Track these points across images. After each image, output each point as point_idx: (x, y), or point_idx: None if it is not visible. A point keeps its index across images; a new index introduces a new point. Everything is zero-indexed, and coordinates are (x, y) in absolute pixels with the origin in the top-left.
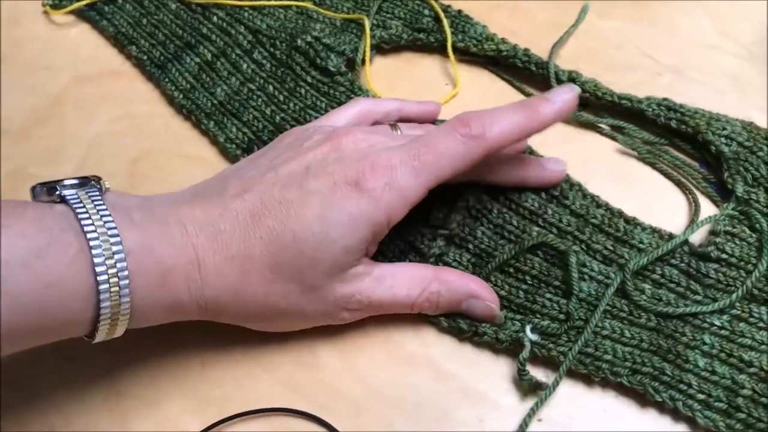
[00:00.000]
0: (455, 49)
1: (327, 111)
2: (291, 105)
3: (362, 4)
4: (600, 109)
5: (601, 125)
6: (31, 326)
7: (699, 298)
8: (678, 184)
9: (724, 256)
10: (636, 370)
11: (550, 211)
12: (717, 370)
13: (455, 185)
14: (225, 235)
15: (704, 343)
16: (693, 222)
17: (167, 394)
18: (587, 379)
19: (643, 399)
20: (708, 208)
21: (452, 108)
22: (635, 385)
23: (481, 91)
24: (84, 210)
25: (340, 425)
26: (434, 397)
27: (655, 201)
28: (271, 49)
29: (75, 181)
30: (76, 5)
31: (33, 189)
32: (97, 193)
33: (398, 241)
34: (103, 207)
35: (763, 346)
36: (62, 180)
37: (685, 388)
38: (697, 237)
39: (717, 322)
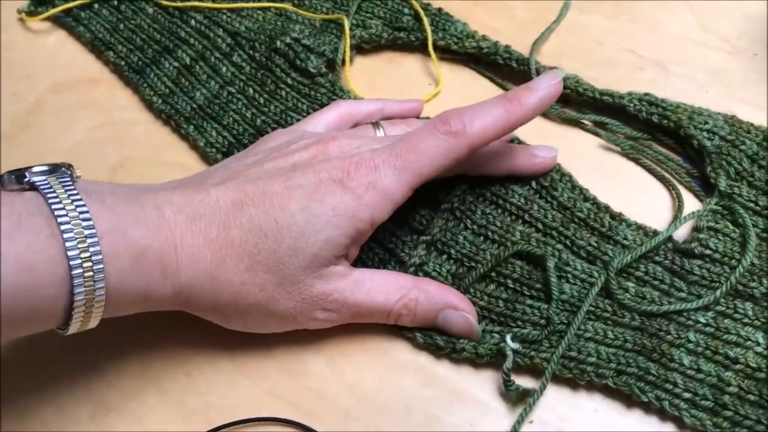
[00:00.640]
0: (436, 48)
1: (308, 113)
2: (272, 107)
3: (341, 4)
4: (582, 105)
5: (583, 121)
6: (2, 315)
7: (683, 295)
8: (661, 179)
9: (707, 252)
10: (621, 371)
11: (536, 207)
12: (702, 368)
13: (444, 181)
14: (204, 219)
15: (689, 341)
16: (676, 218)
17: (153, 407)
18: (575, 381)
19: (631, 398)
20: (691, 203)
21: (435, 106)
22: (621, 387)
23: (464, 89)
24: (54, 194)
25: None
26: (424, 402)
27: (638, 196)
28: (251, 52)
29: (45, 168)
30: (51, 12)
31: (1, 178)
32: (68, 178)
33: (378, 250)
34: (74, 191)
35: (749, 342)
36: (31, 167)
37: (670, 387)
38: (680, 233)
39: (702, 319)
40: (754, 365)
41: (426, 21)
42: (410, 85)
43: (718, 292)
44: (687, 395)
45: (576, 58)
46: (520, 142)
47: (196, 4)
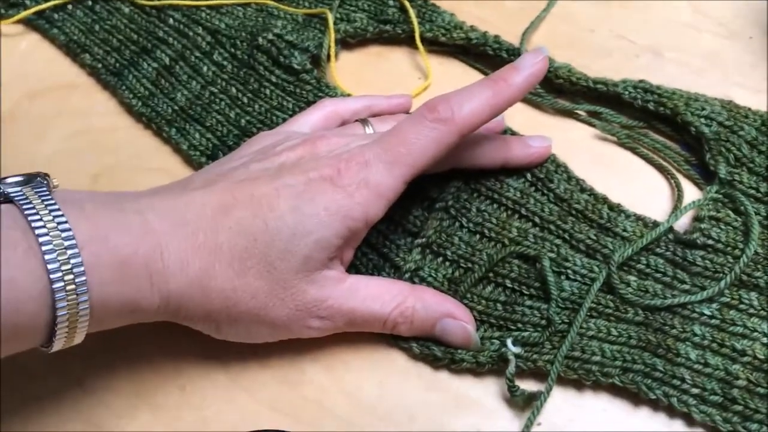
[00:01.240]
0: (423, 40)
1: (294, 111)
2: (256, 107)
3: None
4: (575, 95)
5: (577, 111)
6: None
7: (687, 287)
8: (659, 168)
9: (710, 242)
10: (627, 368)
11: (532, 200)
12: (710, 362)
13: (438, 180)
14: (190, 224)
15: (695, 335)
16: (677, 208)
17: (146, 424)
18: (581, 382)
19: (638, 396)
20: (691, 191)
21: (425, 99)
22: (628, 385)
23: (454, 82)
24: (30, 205)
25: None
26: (427, 408)
27: (636, 186)
28: (232, 50)
29: (19, 178)
30: (23, 14)
31: None
32: (45, 189)
33: (372, 255)
34: (51, 201)
35: (755, 333)
36: (5, 178)
37: (678, 383)
38: (681, 223)
39: (707, 312)
40: (762, 357)
41: (412, 13)
42: (399, 79)
43: (722, 283)
44: (695, 391)
45: (568, 47)
46: (513, 133)
47: (174, 2)
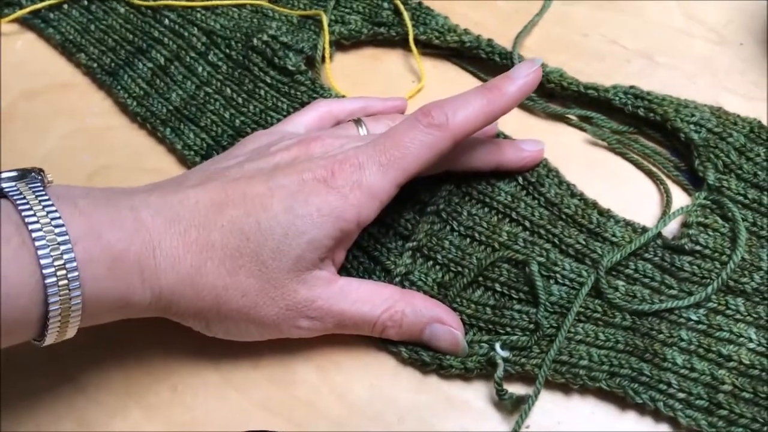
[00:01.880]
0: (417, 43)
1: (289, 112)
2: (251, 107)
3: None
4: (567, 99)
5: (568, 116)
6: None
7: (674, 292)
8: (648, 173)
9: (697, 248)
10: (614, 373)
11: (522, 204)
12: (696, 367)
13: (429, 183)
14: (183, 221)
15: (681, 340)
16: (665, 214)
17: (137, 423)
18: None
19: (625, 400)
20: (680, 197)
21: (419, 102)
22: (614, 389)
23: (447, 85)
24: (24, 200)
25: None
26: (417, 409)
27: (626, 191)
28: (227, 50)
29: (13, 174)
30: (19, 13)
31: None
32: (39, 184)
33: (363, 258)
34: (45, 197)
35: (741, 339)
36: None
37: (664, 387)
38: (669, 229)
39: (693, 317)
40: (748, 362)
41: (406, 15)
42: (392, 81)
43: (709, 289)
44: (681, 395)
45: (561, 51)
46: (505, 137)
47: (170, 2)
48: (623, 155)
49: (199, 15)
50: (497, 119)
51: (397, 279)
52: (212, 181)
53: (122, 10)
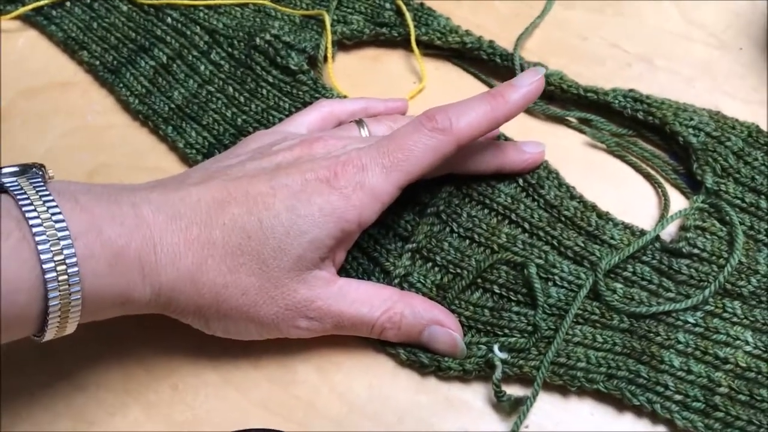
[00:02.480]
0: (419, 43)
1: (291, 111)
2: (253, 106)
3: None
4: (566, 102)
5: (568, 118)
6: None
7: (672, 295)
8: (647, 176)
9: (695, 251)
10: (611, 375)
11: (522, 206)
12: (693, 369)
13: (430, 184)
14: (185, 218)
15: (679, 342)
16: (663, 217)
17: (137, 421)
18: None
19: (622, 401)
20: (678, 200)
21: (420, 102)
22: (612, 391)
23: (448, 85)
24: (24, 195)
25: None
26: (417, 409)
27: (624, 194)
28: (229, 49)
29: (15, 169)
30: (21, 10)
31: None
32: (40, 179)
33: (362, 259)
34: (46, 192)
35: (738, 342)
36: (0, 168)
37: (661, 389)
38: (667, 232)
39: (691, 320)
40: (744, 365)
41: (408, 16)
42: (394, 81)
43: (706, 292)
44: (678, 397)
45: (561, 54)
46: (507, 139)
47: (172, 1)
48: (622, 158)
49: (201, 14)
50: (501, 125)
51: (396, 280)
52: (214, 179)
53: (125, 8)
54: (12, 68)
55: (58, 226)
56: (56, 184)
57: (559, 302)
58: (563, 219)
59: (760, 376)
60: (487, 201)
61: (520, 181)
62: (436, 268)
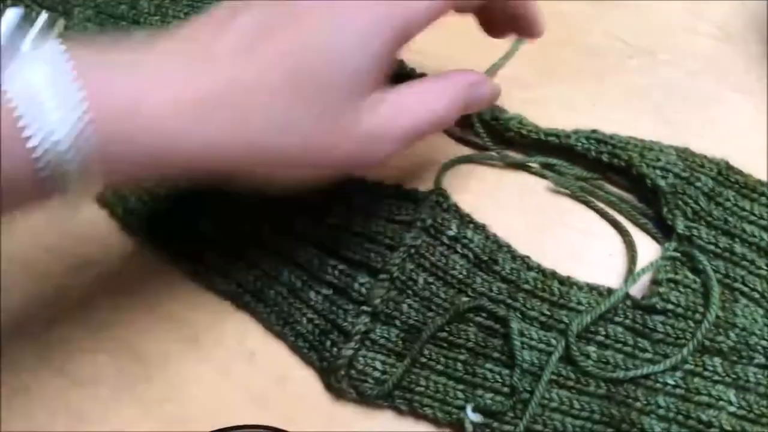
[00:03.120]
0: None
1: None
2: None
3: None
4: (527, 147)
5: (530, 164)
6: None
7: (649, 356)
8: (614, 223)
9: (669, 306)
10: None
11: (479, 280)
12: None
13: (380, 246)
14: (221, 59)
15: (659, 407)
16: (631, 271)
17: (130, 419)
18: None
19: None
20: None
21: None
22: None
23: None
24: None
25: None
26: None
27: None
28: None
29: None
30: None
31: None
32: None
33: (318, 321)
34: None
35: (721, 402)
36: None
37: None
38: (638, 285)
39: (670, 381)
40: (729, 428)
41: None
42: None
43: (684, 351)
44: None
45: (561, 47)
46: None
47: None
48: (587, 203)
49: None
50: None
51: (357, 337)
52: (243, 12)
53: None
54: None
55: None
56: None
57: (532, 367)
58: (523, 292)
59: None
60: (441, 273)
61: (471, 256)
62: (397, 330)
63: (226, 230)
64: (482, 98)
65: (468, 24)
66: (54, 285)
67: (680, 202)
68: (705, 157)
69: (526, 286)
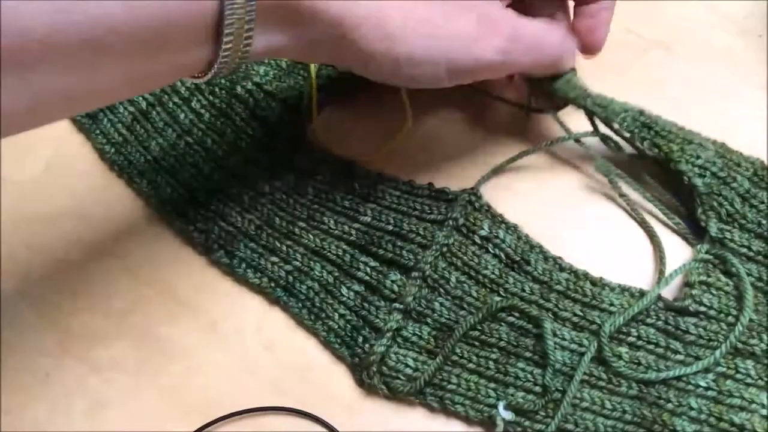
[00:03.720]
0: None
1: (270, 167)
2: (231, 160)
3: None
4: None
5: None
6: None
7: (681, 357)
8: (642, 224)
9: (702, 308)
10: None
11: (511, 280)
12: None
13: (412, 244)
14: None
15: (691, 408)
16: (662, 272)
17: (150, 404)
18: None
19: None
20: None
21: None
22: None
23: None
24: None
25: (334, 426)
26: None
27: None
28: (210, 97)
29: None
30: None
31: None
32: None
33: (350, 317)
34: None
35: (753, 405)
36: None
37: None
38: (669, 288)
39: (702, 383)
40: (761, 431)
41: None
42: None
43: (717, 353)
44: None
45: None
46: None
47: None
48: (621, 195)
49: None
50: None
51: (389, 334)
52: None
53: None
54: None
55: None
56: None
57: (564, 367)
58: (555, 293)
59: None
60: (472, 273)
61: (503, 256)
62: (429, 328)
63: (259, 225)
64: (558, 66)
65: None
66: (75, 273)
67: (715, 204)
68: (741, 155)
69: (559, 287)
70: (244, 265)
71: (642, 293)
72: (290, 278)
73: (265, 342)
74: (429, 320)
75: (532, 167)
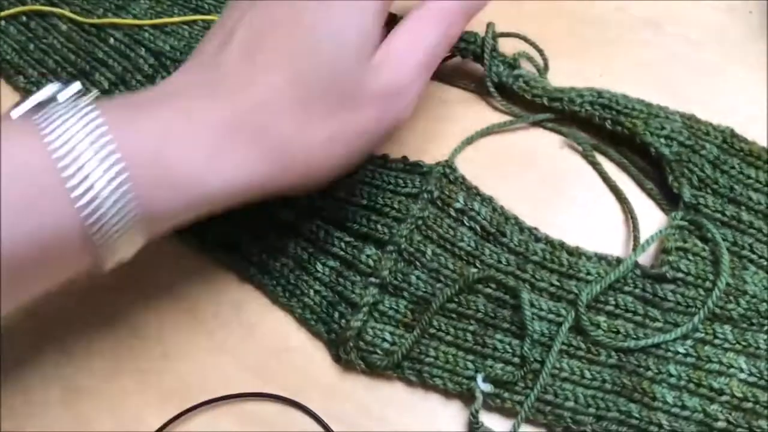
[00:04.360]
0: None
1: None
2: None
3: None
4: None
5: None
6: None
7: (659, 324)
8: (615, 191)
9: (679, 275)
10: (601, 416)
11: (487, 252)
12: (687, 404)
13: (388, 219)
14: (225, 83)
15: (670, 375)
16: (636, 238)
17: (127, 389)
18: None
19: None
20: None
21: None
22: None
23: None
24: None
25: (314, 410)
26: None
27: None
28: (172, 71)
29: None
30: None
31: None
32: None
33: (326, 292)
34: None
35: (732, 369)
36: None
37: (655, 429)
38: (647, 255)
39: (681, 350)
40: (740, 395)
41: None
42: None
43: (695, 319)
44: None
45: (567, 18)
46: None
47: (115, 21)
48: (594, 165)
49: (146, 35)
50: None
51: (365, 309)
52: (236, 32)
53: (64, 27)
54: None
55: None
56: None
57: (542, 337)
58: (532, 263)
59: (757, 406)
60: (448, 245)
61: (479, 229)
62: (406, 301)
63: None
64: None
65: None
66: None
67: (686, 170)
68: (710, 124)
69: (535, 258)
70: (216, 245)
71: (619, 261)
72: (263, 256)
73: (246, 326)
74: (405, 294)
75: (505, 139)
